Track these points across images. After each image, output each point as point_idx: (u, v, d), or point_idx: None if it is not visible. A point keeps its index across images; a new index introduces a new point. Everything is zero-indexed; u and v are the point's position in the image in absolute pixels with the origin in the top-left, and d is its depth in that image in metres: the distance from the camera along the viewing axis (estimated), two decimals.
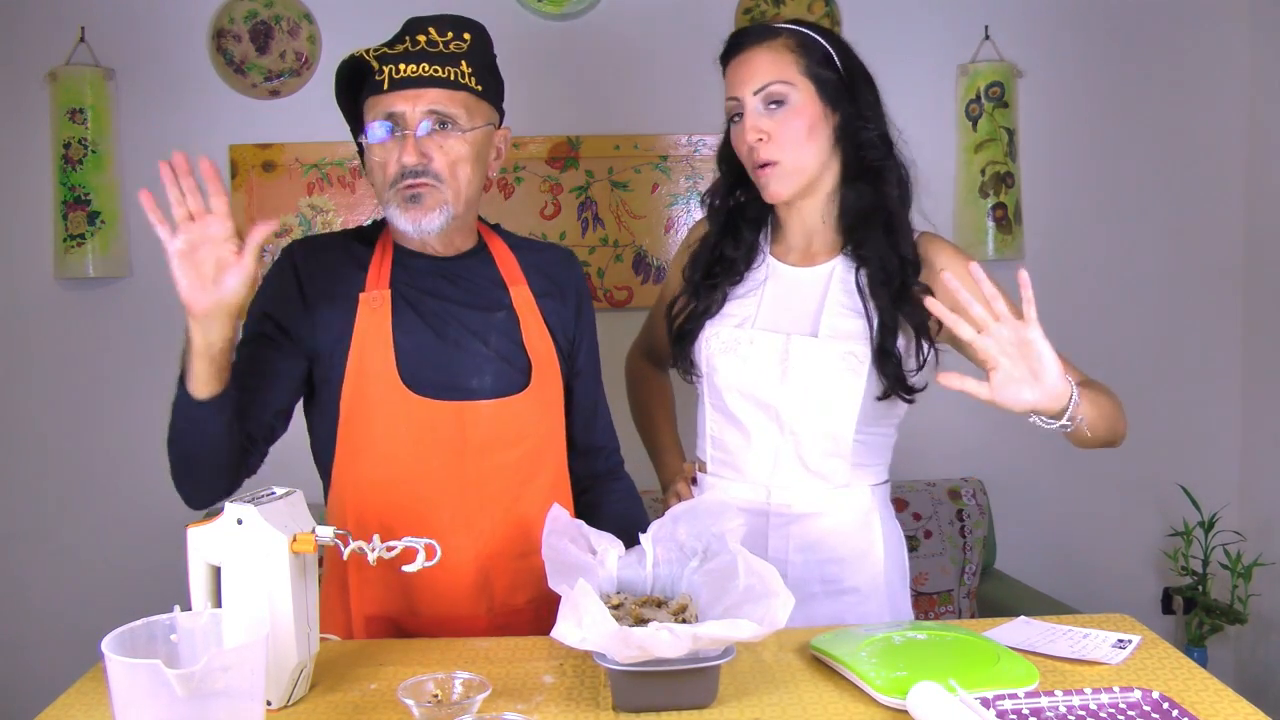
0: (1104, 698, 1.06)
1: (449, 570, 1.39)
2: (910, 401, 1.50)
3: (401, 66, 1.38)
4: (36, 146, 2.70)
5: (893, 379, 1.46)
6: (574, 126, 2.80)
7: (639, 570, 1.24)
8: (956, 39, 2.82)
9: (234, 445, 1.33)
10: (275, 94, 2.75)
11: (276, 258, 1.48)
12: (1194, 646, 2.76)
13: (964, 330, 1.25)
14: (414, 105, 1.38)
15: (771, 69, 1.46)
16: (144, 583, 2.64)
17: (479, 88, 1.43)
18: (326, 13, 2.75)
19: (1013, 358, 1.23)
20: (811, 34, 1.49)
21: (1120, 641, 1.22)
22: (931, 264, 1.50)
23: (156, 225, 1.17)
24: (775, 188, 1.47)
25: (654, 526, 1.26)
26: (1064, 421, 1.26)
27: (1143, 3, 2.88)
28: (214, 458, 1.34)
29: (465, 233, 1.50)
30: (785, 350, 1.49)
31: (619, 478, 1.66)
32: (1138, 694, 1.06)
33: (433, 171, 1.39)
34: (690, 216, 2.80)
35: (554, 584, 1.11)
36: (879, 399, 1.49)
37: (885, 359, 1.46)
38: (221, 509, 1.11)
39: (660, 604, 1.21)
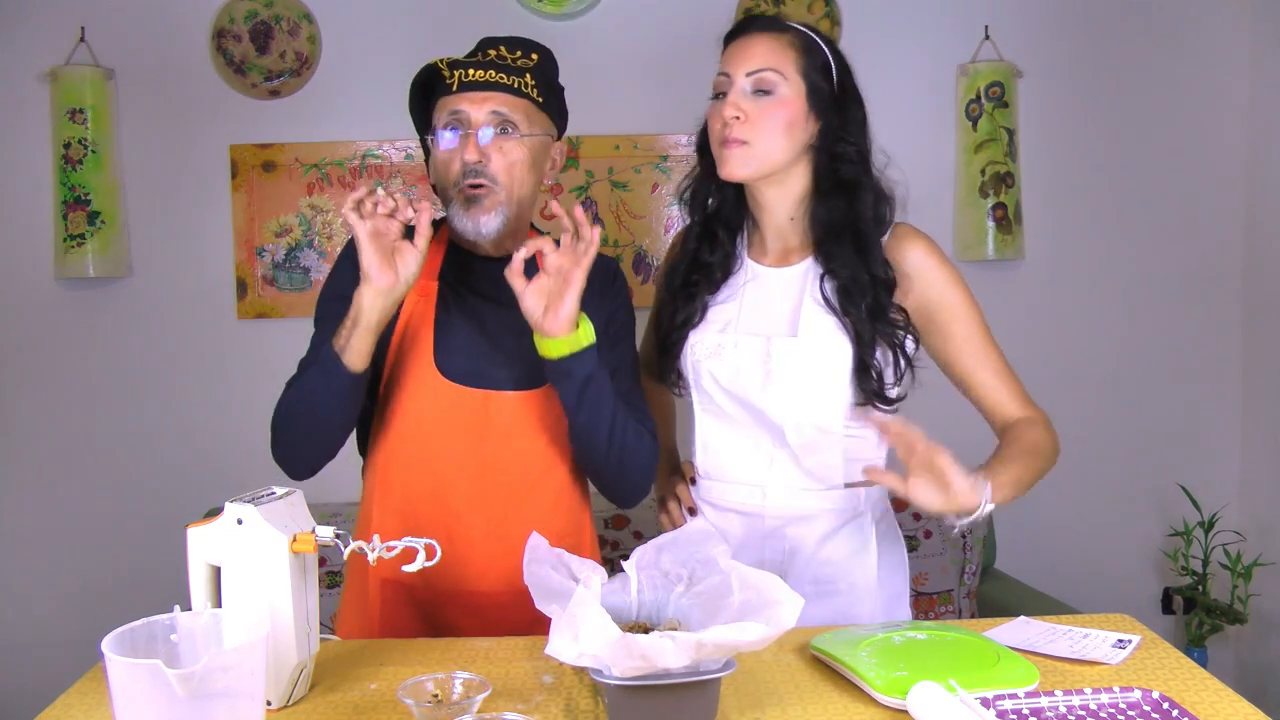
0: (1104, 698, 1.06)
1: (458, 544, 1.46)
2: (891, 411, 1.50)
3: (470, 72, 1.48)
4: (36, 146, 2.70)
5: (870, 392, 1.48)
6: (574, 126, 2.75)
7: (623, 597, 1.22)
8: (956, 39, 2.82)
9: (358, 417, 1.48)
10: (275, 94, 2.75)
11: (343, 249, 1.56)
12: (1194, 646, 2.76)
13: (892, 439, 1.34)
14: (479, 107, 1.47)
15: (770, 57, 1.47)
16: (144, 583, 2.64)
17: (540, 99, 1.53)
18: (326, 13, 2.75)
19: (926, 471, 1.29)
20: (818, 41, 1.50)
21: (1120, 641, 1.23)
22: (900, 265, 1.50)
23: (349, 213, 1.33)
24: (734, 165, 1.47)
25: (636, 554, 1.23)
26: (970, 520, 1.32)
27: (1143, 3, 2.88)
28: (344, 429, 1.47)
29: (517, 236, 1.57)
30: (767, 352, 1.50)
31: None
32: (1138, 694, 1.06)
33: (489, 173, 1.47)
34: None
35: (542, 606, 1.10)
36: (857, 405, 1.50)
37: (864, 373, 1.47)
38: (222, 509, 1.11)
39: (647, 630, 1.19)
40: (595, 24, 2.80)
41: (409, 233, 1.37)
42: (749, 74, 1.46)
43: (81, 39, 2.68)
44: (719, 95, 1.50)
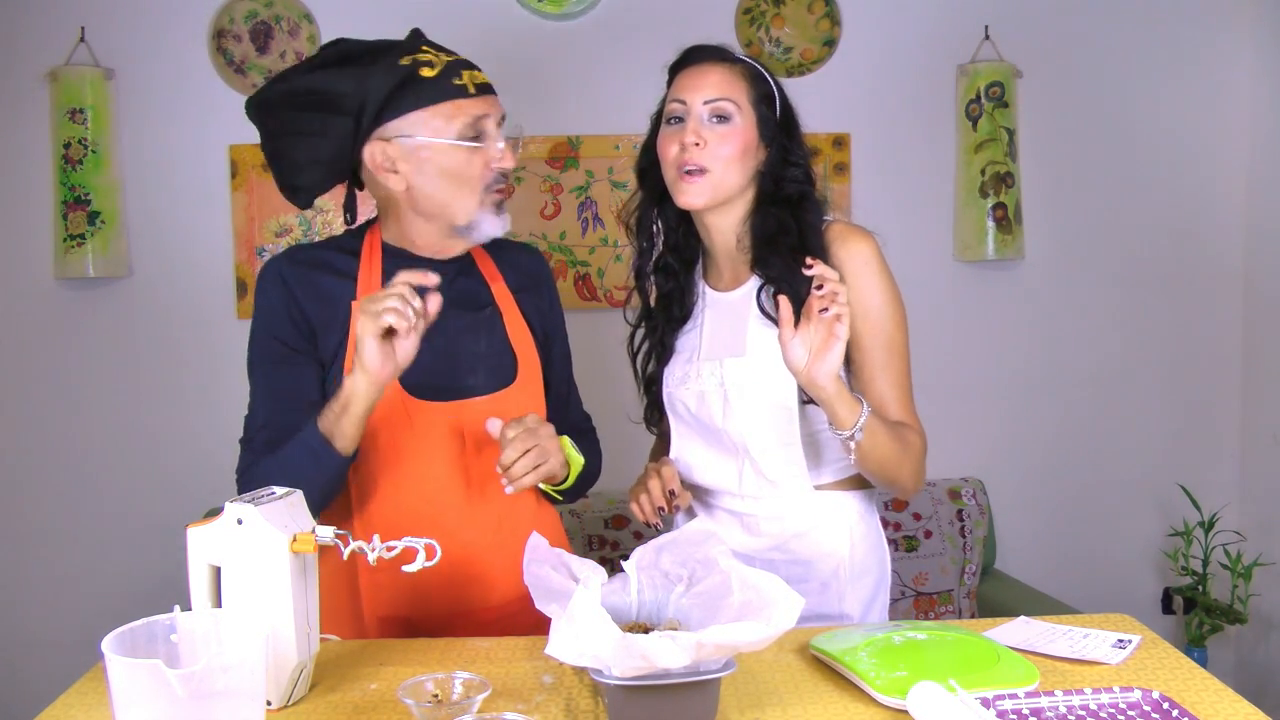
0: (1104, 698, 1.06)
1: (457, 565, 1.43)
2: None
3: (478, 74, 1.46)
4: (36, 146, 2.70)
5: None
6: (574, 126, 2.80)
7: (623, 597, 1.22)
8: (956, 39, 2.82)
9: None
10: None
11: (260, 276, 1.48)
12: (1194, 646, 2.76)
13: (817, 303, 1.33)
14: (496, 113, 1.46)
15: (725, 86, 1.50)
16: (144, 583, 2.64)
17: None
18: (326, 13, 2.75)
19: (817, 330, 1.33)
20: (763, 72, 1.55)
21: (1120, 641, 1.22)
22: (836, 266, 1.47)
23: (376, 319, 1.26)
24: (691, 195, 1.49)
25: (637, 554, 1.23)
26: (842, 434, 1.37)
27: (1143, 3, 2.88)
28: (331, 499, 1.42)
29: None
30: (721, 375, 1.53)
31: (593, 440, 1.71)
32: (1138, 694, 1.06)
33: (510, 175, 1.48)
34: None
35: (542, 606, 1.09)
36: (804, 403, 1.51)
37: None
38: (222, 509, 1.11)
39: (647, 630, 1.19)
40: (595, 24, 2.79)
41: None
42: (707, 102, 1.49)
43: (81, 39, 2.68)
44: (671, 121, 1.52)
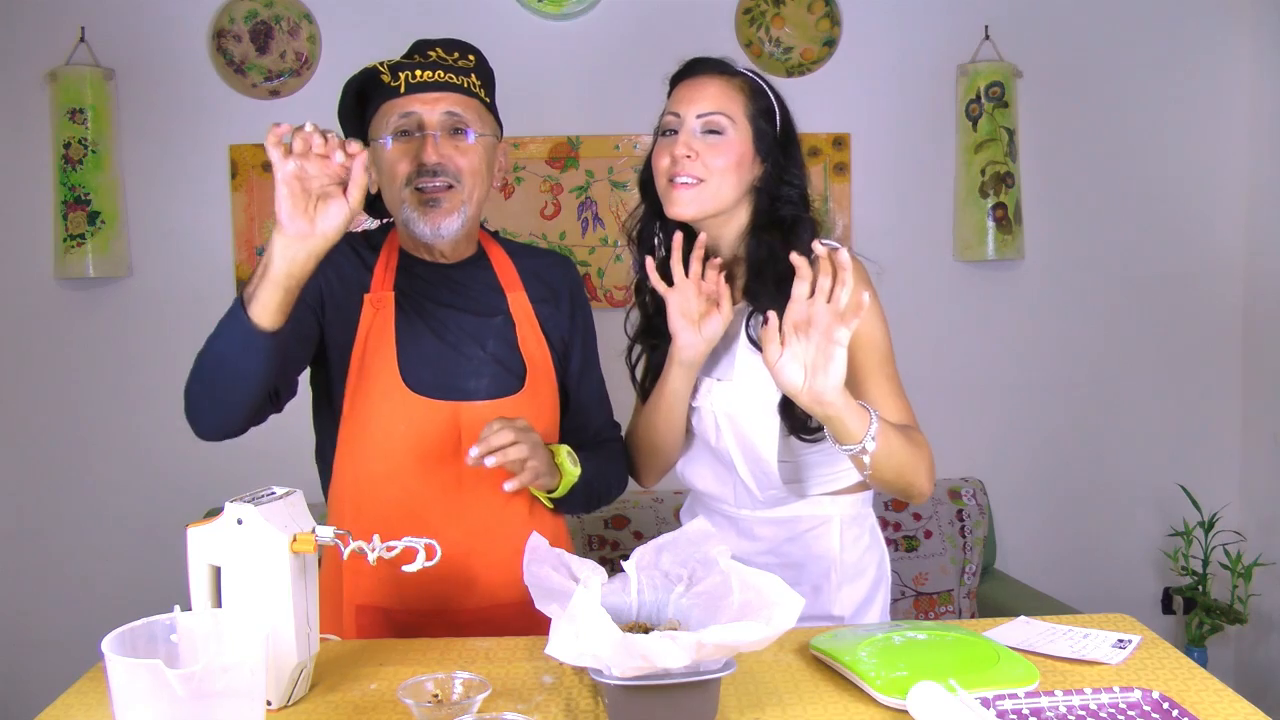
0: (1104, 698, 1.06)
1: (440, 563, 1.40)
2: (813, 440, 1.50)
3: (417, 73, 1.45)
4: (36, 146, 2.70)
5: (793, 424, 1.49)
6: (574, 126, 2.80)
7: (623, 597, 1.21)
8: (956, 39, 2.82)
9: (270, 386, 1.33)
10: (275, 94, 2.75)
11: None
12: (1194, 646, 2.76)
13: (801, 289, 1.27)
14: (431, 108, 1.44)
15: (720, 100, 1.49)
16: (144, 583, 2.64)
17: (487, 100, 1.51)
18: (326, 13, 2.75)
19: (810, 340, 1.27)
20: (764, 86, 1.53)
21: (1120, 641, 1.23)
22: None
23: (272, 148, 1.16)
24: (681, 205, 1.47)
25: (636, 554, 1.23)
26: (852, 448, 1.32)
27: (1143, 4, 2.88)
28: (250, 392, 1.32)
29: (469, 239, 1.56)
30: (710, 395, 1.54)
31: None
32: (1138, 694, 1.06)
33: (451, 171, 1.44)
34: None
35: (542, 606, 1.09)
36: (787, 436, 1.51)
37: (786, 408, 1.48)
38: (222, 509, 1.11)
39: (646, 630, 1.19)
40: (595, 24, 2.80)
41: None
42: (700, 115, 1.48)
43: (81, 39, 2.68)
44: (666, 133, 1.51)
